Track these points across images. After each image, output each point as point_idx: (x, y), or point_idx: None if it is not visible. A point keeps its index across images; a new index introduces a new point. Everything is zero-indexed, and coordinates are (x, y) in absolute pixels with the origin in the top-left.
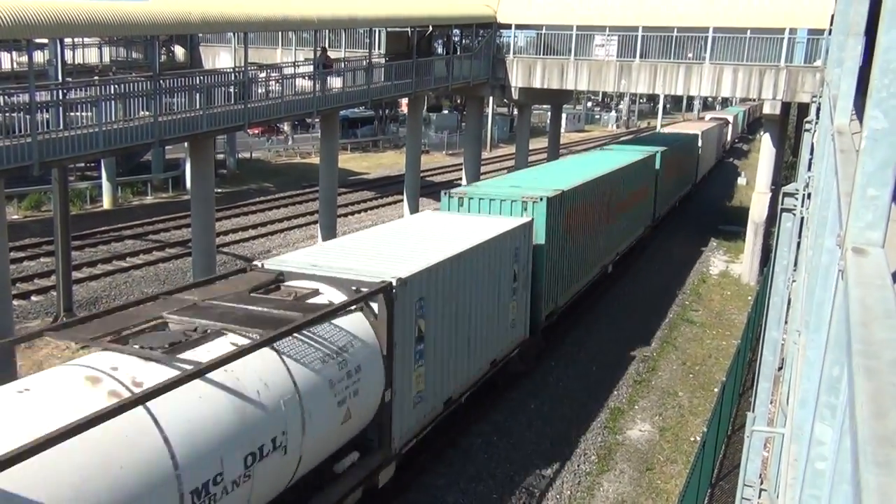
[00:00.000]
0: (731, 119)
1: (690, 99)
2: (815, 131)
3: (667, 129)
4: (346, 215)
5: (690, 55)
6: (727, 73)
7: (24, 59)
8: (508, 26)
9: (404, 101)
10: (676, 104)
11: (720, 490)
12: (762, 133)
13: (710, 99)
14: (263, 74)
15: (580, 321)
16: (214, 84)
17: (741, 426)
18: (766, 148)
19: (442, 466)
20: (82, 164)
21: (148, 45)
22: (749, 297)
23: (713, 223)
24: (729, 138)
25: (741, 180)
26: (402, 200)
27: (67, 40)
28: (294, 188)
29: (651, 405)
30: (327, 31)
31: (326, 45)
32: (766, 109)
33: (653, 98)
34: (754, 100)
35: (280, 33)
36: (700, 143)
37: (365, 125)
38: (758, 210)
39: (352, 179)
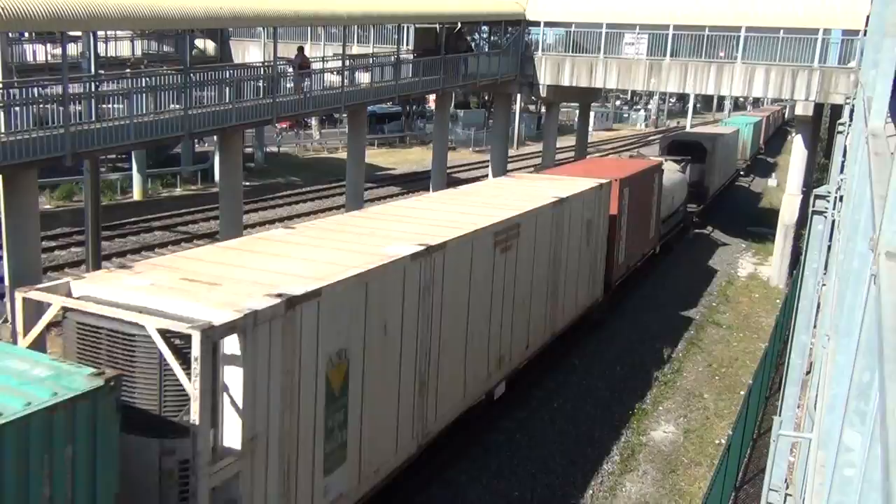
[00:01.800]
0: (710, 146)
1: (721, 98)
2: (848, 133)
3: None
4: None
5: (722, 54)
6: (759, 72)
7: (58, 51)
8: (537, 23)
9: (432, 97)
10: (707, 104)
11: (744, 494)
12: (794, 134)
13: (741, 99)
14: (292, 69)
15: (604, 321)
16: (244, 78)
17: (767, 430)
18: (797, 149)
19: (464, 462)
20: (114, 156)
21: (179, 39)
22: (777, 301)
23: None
24: (711, 183)
25: (772, 182)
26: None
27: (100, 33)
28: (321, 182)
29: (676, 406)
30: (356, 26)
31: (303, 47)
32: (799, 111)
33: (683, 97)
34: (783, 101)
35: (309, 28)
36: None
37: (392, 121)
38: (788, 212)
39: (378, 174)
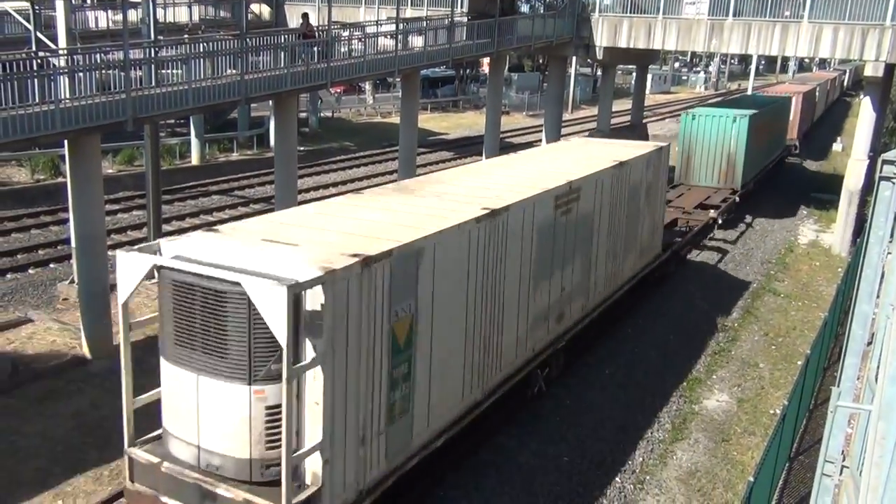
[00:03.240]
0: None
1: (785, 60)
2: None
3: None
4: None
5: (787, 13)
6: (827, 32)
7: (119, 17)
8: None
9: (486, 60)
10: (770, 65)
11: (799, 465)
12: (862, 96)
13: (806, 60)
14: (346, 33)
15: (656, 291)
16: (299, 43)
17: (824, 401)
18: (865, 112)
19: (513, 427)
20: (173, 121)
21: (235, 4)
22: (839, 269)
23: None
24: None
25: (837, 146)
26: (480, 161)
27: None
28: (374, 147)
29: (730, 376)
30: None
31: (308, 14)
32: (868, 71)
33: (745, 59)
34: (851, 61)
35: None
36: None
37: (445, 85)
38: (853, 178)
39: (431, 139)
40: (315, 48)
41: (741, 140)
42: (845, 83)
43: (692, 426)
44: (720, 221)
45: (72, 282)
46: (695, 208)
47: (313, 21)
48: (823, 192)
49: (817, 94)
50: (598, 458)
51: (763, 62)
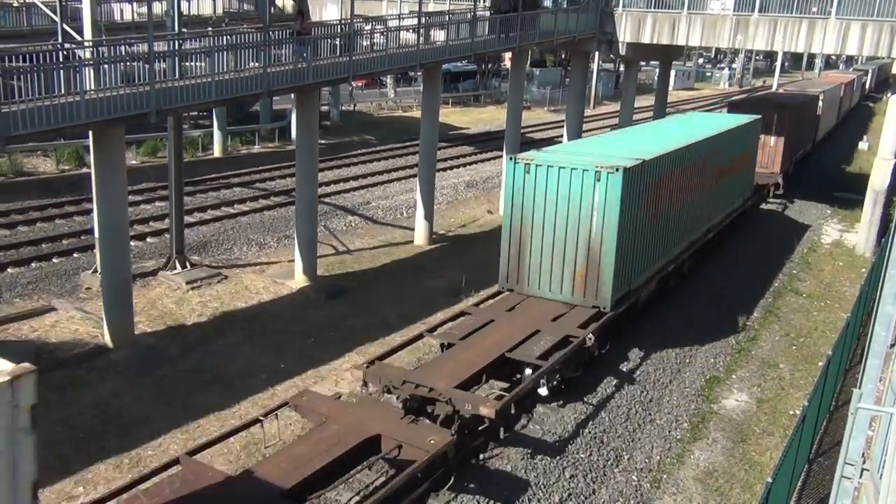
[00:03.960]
0: None
1: (811, 57)
2: None
3: None
4: (445, 169)
5: (815, 9)
6: (854, 28)
7: (144, 10)
8: None
9: (508, 55)
10: (796, 62)
11: (818, 466)
12: (890, 94)
13: (832, 57)
14: (368, 27)
15: (678, 286)
16: (321, 36)
17: (845, 403)
18: (893, 110)
19: (531, 423)
20: (195, 113)
21: None
22: (863, 270)
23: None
24: None
25: (863, 145)
26: (501, 156)
27: None
28: (395, 141)
29: (750, 375)
30: None
31: (303, 11)
32: None
33: (770, 55)
34: (879, 59)
35: None
36: None
37: (467, 79)
38: (879, 177)
39: (452, 134)
40: (309, 46)
41: (611, 215)
42: (867, 85)
43: (710, 425)
44: (545, 393)
45: (95, 271)
46: (465, 381)
47: (335, 15)
48: (848, 192)
49: (821, 104)
50: (616, 455)
51: (789, 59)
